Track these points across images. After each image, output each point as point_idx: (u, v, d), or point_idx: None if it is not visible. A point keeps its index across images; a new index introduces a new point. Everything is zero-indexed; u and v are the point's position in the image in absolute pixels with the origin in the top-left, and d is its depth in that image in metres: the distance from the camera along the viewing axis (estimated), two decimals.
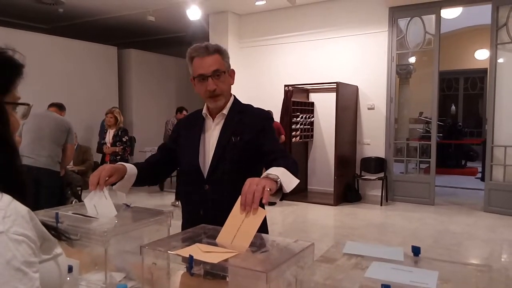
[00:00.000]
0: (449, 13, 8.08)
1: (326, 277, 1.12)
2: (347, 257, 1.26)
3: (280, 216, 6.45)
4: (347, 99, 7.28)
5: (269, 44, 8.41)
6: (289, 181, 1.49)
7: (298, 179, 1.55)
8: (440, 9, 6.96)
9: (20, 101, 0.85)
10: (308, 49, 7.91)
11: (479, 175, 9.71)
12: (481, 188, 7.15)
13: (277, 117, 7.30)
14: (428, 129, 10.74)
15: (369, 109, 7.53)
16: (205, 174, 1.79)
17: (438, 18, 6.97)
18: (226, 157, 1.77)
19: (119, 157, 6.26)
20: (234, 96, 1.91)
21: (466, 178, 10.01)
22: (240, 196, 1.34)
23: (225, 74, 1.80)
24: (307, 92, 8.16)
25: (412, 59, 9.99)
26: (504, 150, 6.45)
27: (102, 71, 9.11)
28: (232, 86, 1.89)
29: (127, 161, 6.50)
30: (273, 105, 7.32)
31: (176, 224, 1.76)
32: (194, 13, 7.68)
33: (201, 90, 1.80)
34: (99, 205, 1.65)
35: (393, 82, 7.41)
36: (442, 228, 5.79)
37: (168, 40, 10.97)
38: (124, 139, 6.22)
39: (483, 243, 5.27)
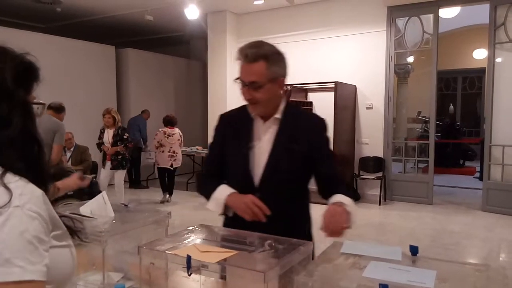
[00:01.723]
0: (447, 13, 8.10)
1: (324, 276, 1.11)
2: (345, 257, 1.26)
3: None
4: (345, 98, 7.29)
5: None
6: (354, 216, 1.55)
7: None
8: (438, 8, 6.97)
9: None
10: (306, 48, 7.91)
11: (477, 174, 9.72)
12: (479, 188, 7.16)
13: None
14: (426, 129, 10.77)
15: (367, 108, 7.53)
16: (256, 182, 1.67)
17: (436, 17, 6.98)
18: (280, 166, 1.66)
19: (120, 156, 6.25)
20: (285, 99, 1.76)
21: (464, 177, 10.03)
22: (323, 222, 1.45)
23: (266, 85, 1.61)
24: (305, 91, 8.16)
25: (410, 59, 10.00)
26: (502, 150, 6.47)
27: (100, 71, 9.09)
28: (276, 92, 1.69)
29: (128, 160, 6.49)
30: None
31: (174, 224, 1.75)
32: (192, 13, 7.67)
33: (241, 93, 1.68)
34: (98, 209, 1.66)
35: (391, 82, 7.42)
36: (440, 228, 5.80)
37: (166, 40, 10.96)
38: (124, 137, 6.21)
39: (481, 243, 5.28)
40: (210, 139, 7.50)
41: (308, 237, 1.73)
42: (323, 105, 7.85)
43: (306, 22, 7.88)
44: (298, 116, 1.74)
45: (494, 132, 6.57)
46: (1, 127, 0.79)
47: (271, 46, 1.67)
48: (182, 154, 8.67)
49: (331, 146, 1.81)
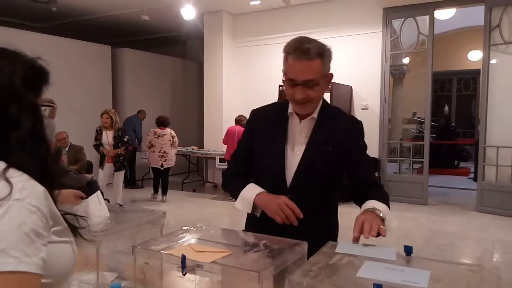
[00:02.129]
0: (443, 14, 8.13)
1: (319, 276, 1.12)
2: (339, 257, 1.26)
3: None
4: (341, 99, 7.30)
5: (263, 44, 8.41)
6: (391, 221, 1.49)
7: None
8: (434, 10, 7.00)
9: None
10: None
11: (472, 175, 9.77)
12: (474, 188, 7.20)
13: None
14: (421, 130, 10.81)
15: (363, 109, 7.55)
16: (288, 182, 1.62)
17: (432, 19, 7.01)
18: (315, 167, 1.60)
19: (122, 157, 6.22)
20: (323, 98, 1.68)
21: (458, 178, 10.07)
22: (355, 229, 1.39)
23: (321, 83, 1.54)
24: None
25: (406, 60, 10.04)
26: (496, 151, 6.50)
27: (96, 71, 9.06)
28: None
29: (128, 161, 6.47)
30: None
31: (169, 224, 1.75)
32: (188, 13, 7.67)
33: (288, 92, 1.58)
34: (92, 209, 1.66)
35: (387, 83, 7.44)
36: (434, 228, 5.82)
37: (162, 40, 10.95)
38: (125, 139, 6.15)
39: (475, 243, 5.30)
40: (205, 139, 7.55)
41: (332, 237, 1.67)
42: None
43: (302, 23, 7.89)
44: (334, 117, 1.68)
45: (488, 133, 6.61)
46: (11, 128, 0.82)
47: (320, 42, 1.58)
48: (178, 154, 8.68)
49: (367, 151, 1.73)
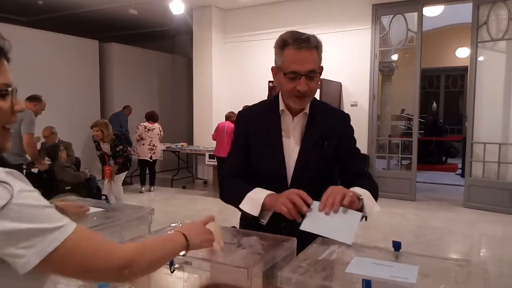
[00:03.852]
0: (431, 11, 8.18)
1: (308, 272, 1.11)
2: (328, 253, 1.26)
3: None
4: (330, 95, 7.32)
5: (253, 39, 8.38)
6: (371, 206, 1.45)
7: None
8: (423, 7, 7.04)
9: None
10: None
11: (459, 171, 9.88)
12: (461, 184, 7.28)
13: None
14: (409, 126, 10.88)
15: (352, 105, 7.58)
16: (288, 180, 1.61)
17: (420, 15, 7.05)
18: (311, 163, 1.60)
19: (121, 160, 6.06)
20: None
21: (446, 174, 10.18)
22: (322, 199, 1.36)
23: (318, 74, 1.55)
24: None
25: (395, 57, 10.09)
26: (483, 147, 6.58)
27: (83, 65, 8.94)
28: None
29: (130, 160, 6.30)
30: (257, 101, 7.29)
31: (158, 221, 1.74)
32: (177, 7, 7.60)
33: (288, 87, 1.53)
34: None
35: (376, 79, 7.48)
36: (423, 224, 5.88)
37: (150, 34, 10.86)
38: (118, 149, 5.87)
39: (462, 238, 5.37)
40: (195, 135, 7.52)
41: None
42: None
43: (292, 18, 7.88)
44: (324, 111, 1.67)
45: (475, 129, 6.68)
46: None
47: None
48: (167, 151, 8.71)
49: (356, 143, 1.73)
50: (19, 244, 0.72)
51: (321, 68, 1.58)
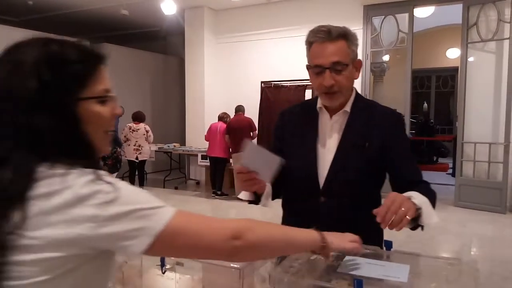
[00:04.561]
0: (422, 12, 8.23)
1: (300, 272, 1.11)
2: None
3: (258, 212, 6.44)
4: None
5: (245, 40, 8.38)
6: (430, 216, 1.29)
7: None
8: (413, 8, 7.09)
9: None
10: (284, 45, 7.92)
11: (450, 171, 9.95)
12: (452, 184, 7.33)
13: (252, 114, 7.30)
14: None
15: None
16: (321, 183, 1.48)
17: (411, 16, 7.09)
18: (349, 165, 1.46)
19: (110, 161, 6.03)
20: (355, 89, 1.56)
21: (437, 174, 10.23)
22: (379, 208, 1.19)
23: (349, 67, 1.43)
24: (304, 89, 8.12)
25: (386, 57, 10.15)
26: (473, 147, 6.63)
27: None
28: (355, 80, 1.49)
29: (120, 161, 6.27)
30: (250, 101, 7.31)
31: None
32: (169, 8, 7.57)
33: (315, 83, 1.46)
34: None
35: (367, 80, 7.51)
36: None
37: (142, 35, 10.80)
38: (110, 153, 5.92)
39: (454, 237, 5.41)
40: (188, 136, 7.50)
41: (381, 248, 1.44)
42: None
43: (284, 19, 7.90)
44: (370, 110, 1.53)
45: (466, 129, 6.73)
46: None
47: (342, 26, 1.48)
48: (159, 151, 8.66)
49: (409, 146, 1.56)
50: (131, 225, 0.75)
51: (358, 63, 1.48)
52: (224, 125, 7.29)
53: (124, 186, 0.78)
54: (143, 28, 10.20)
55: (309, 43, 1.46)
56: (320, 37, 1.41)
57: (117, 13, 8.31)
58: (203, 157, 7.96)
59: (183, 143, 9.18)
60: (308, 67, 1.50)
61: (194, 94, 8.77)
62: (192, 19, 8.67)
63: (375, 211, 1.19)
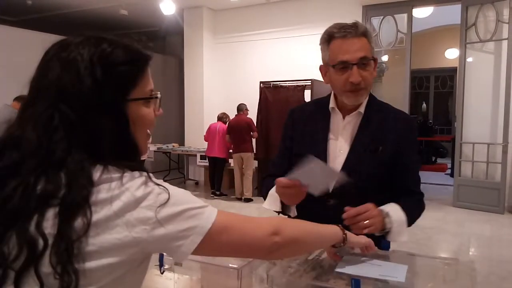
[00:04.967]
0: (421, 13, 8.24)
1: (298, 272, 1.12)
2: (318, 252, 1.26)
3: (255, 212, 6.46)
4: (321, 96, 7.32)
5: (244, 40, 8.38)
6: (398, 235, 1.33)
7: (409, 226, 1.41)
8: (412, 8, 7.09)
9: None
10: (283, 46, 7.93)
11: (449, 171, 9.97)
12: (451, 184, 7.34)
13: (251, 114, 7.30)
14: None
15: None
16: (331, 185, 1.44)
17: (410, 17, 7.10)
18: (361, 169, 1.42)
19: None
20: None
21: (436, 174, 10.26)
22: (353, 209, 1.26)
23: (372, 63, 1.40)
24: (303, 90, 8.12)
25: (385, 58, 10.15)
26: (472, 147, 6.64)
27: None
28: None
29: None
30: (248, 101, 7.30)
31: None
32: (168, 8, 7.57)
33: (339, 81, 1.41)
34: None
35: None
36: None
37: (141, 35, 10.79)
38: None
39: (452, 237, 5.41)
40: (186, 136, 7.49)
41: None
42: (300, 103, 7.90)
43: (283, 19, 7.90)
44: (383, 112, 1.50)
45: (464, 130, 6.74)
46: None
47: None
48: (158, 151, 8.66)
49: (418, 152, 1.56)
50: (183, 225, 0.76)
51: (376, 60, 1.44)
52: (223, 125, 7.29)
53: (171, 187, 0.79)
54: (142, 28, 10.20)
55: (329, 39, 1.42)
56: (348, 31, 1.37)
57: (116, 13, 8.32)
58: (202, 157, 7.96)
59: (182, 143, 9.18)
60: (325, 65, 1.47)
61: (193, 94, 8.76)
62: (191, 19, 8.67)
63: (346, 208, 1.26)
